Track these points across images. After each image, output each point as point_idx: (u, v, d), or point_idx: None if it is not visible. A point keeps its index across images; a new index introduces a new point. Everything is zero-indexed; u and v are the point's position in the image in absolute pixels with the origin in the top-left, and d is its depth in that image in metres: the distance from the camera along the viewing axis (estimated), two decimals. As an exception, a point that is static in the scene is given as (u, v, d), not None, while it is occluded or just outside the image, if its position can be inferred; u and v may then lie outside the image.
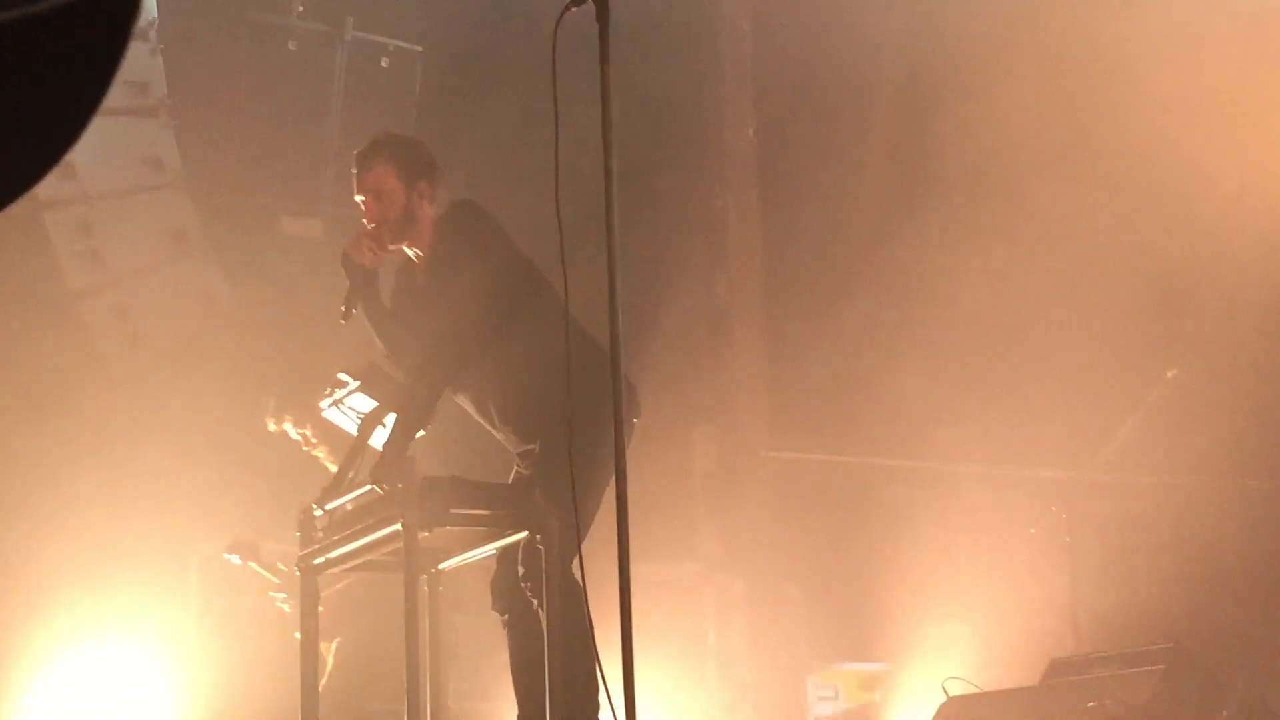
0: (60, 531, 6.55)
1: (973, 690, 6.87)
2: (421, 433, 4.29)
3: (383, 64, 7.58)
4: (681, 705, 7.99)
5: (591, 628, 3.96)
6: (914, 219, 8.77)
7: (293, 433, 5.85)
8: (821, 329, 8.74)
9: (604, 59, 3.37)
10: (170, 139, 7.10)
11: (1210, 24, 8.03)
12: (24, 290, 6.79)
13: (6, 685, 6.50)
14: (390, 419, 4.42)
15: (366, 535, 4.06)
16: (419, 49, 7.69)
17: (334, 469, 5.63)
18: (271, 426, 5.89)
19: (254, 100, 7.40)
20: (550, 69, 3.40)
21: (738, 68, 8.83)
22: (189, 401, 6.88)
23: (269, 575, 5.87)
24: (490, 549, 4.26)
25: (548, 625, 3.92)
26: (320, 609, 4.36)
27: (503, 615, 4.41)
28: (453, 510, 3.95)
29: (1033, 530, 7.71)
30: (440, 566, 4.45)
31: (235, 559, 5.88)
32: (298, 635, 4.40)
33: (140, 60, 7.00)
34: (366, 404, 4.44)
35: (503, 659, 4.43)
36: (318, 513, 4.28)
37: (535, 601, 4.04)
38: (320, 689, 5.54)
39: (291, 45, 7.38)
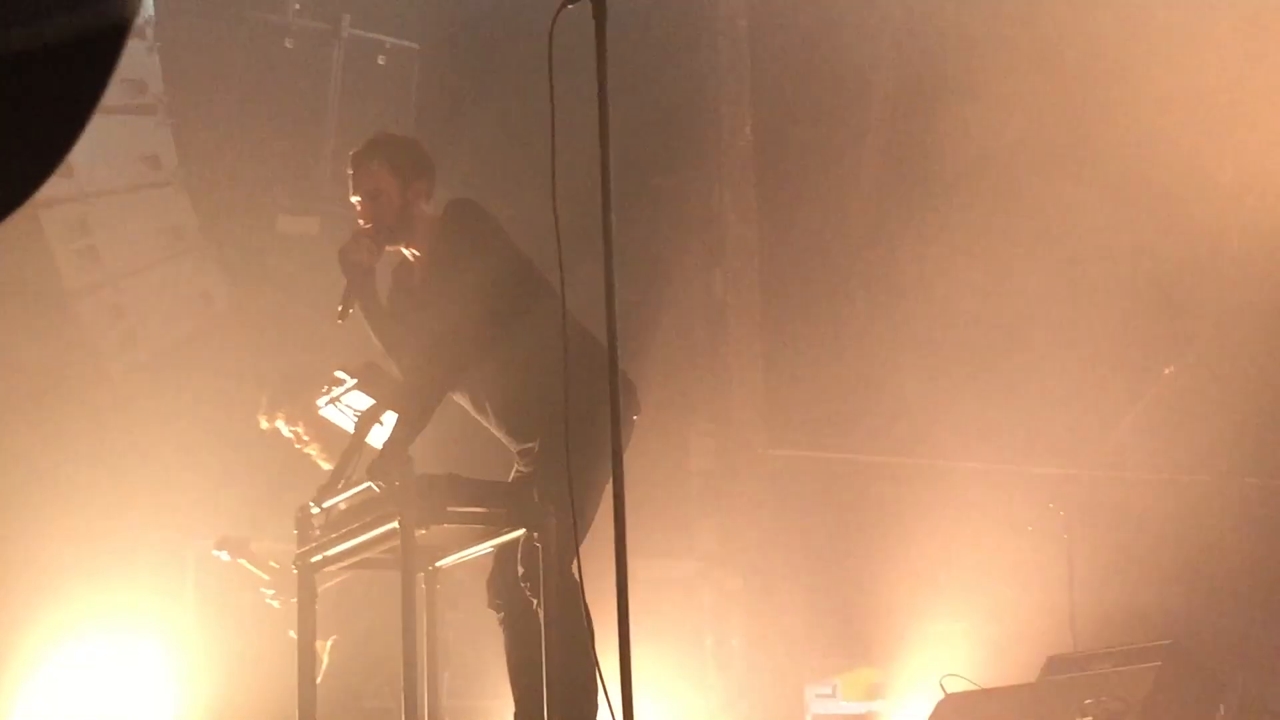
0: (57, 528, 6.55)
1: (971, 687, 6.87)
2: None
3: (380, 62, 7.58)
4: (679, 703, 8.00)
5: (591, 630, 3.96)
6: (912, 217, 8.77)
7: (285, 430, 5.85)
8: (819, 327, 8.74)
9: (601, 57, 3.36)
10: (167, 137, 7.10)
11: (1209, 23, 8.03)
12: (21, 288, 6.79)
13: (4, 680, 6.50)
14: (388, 417, 4.42)
15: (364, 533, 4.06)
16: (416, 47, 7.68)
17: (327, 466, 5.63)
18: (264, 424, 5.88)
19: (251, 98, 7.40)
20: (547, 67, 3.40)
21: (735, 66, 8.83)
22: (186, 398, 6.88)
23: (258, 572, 5.87)
24: (487, 547, 4.25)
25: (545, 624, 3.92)
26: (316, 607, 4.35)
27: (498, 613, 4.41)
28: (450, 508, 3.95)
29: (1031, 528, 7.71)
30: (438, 564, 4.45)
31: (224, 555, 5.88)
32: (292, 634, 4.39)
33: (137, 58, 7.00)
34: (364, 401, 4.44)
35: (499, 657, 4.43)
36: (315, 510, 4.28)
37: (535, 601, 4.04)
38: (316, 686, 5.55)
39: (288, 43, 7.37)
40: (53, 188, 6.76)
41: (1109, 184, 8.63)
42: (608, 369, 3.27)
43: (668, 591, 8.08)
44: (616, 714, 3.19)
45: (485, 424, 4.54)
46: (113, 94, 6.96)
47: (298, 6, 7.41)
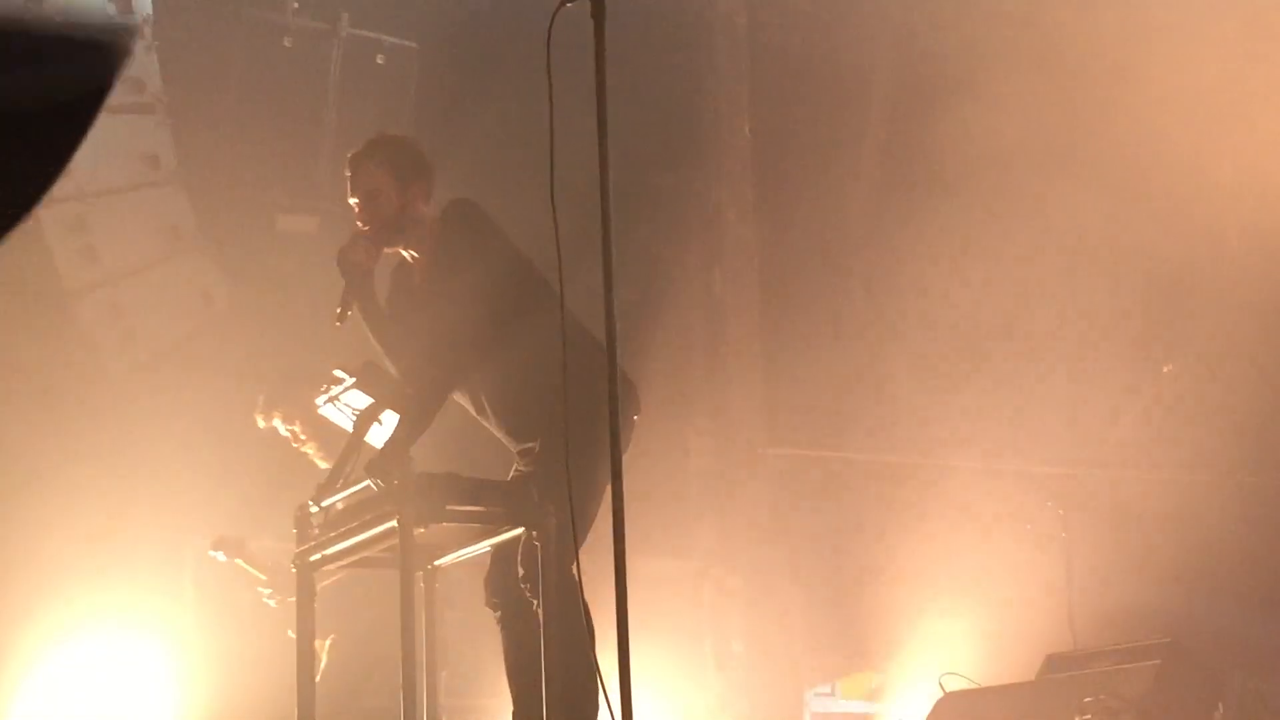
0: (56, 527, 6.55)
1: (970, 686, 6.88)
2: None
3: (378, 61, 7.57)
4: (679, 702, 8.00)
5: (592, 631, 3.96)
6: (911, 216, 8.77)
7: (282, 429, 5.84)
8: (818, 326, 8.74)
9: (599, 56, 3.36)
10: (166, 136, 7.09)
11: (1208, 23, 8.03)
12: (19, 287, 6.78)
13: (3, 679, 6.50)
14: (386, 416, 4.41)
15: (362, 532, 4.06)
16: (415, 46, 7.68)
17: (324, 465, 5.63)
18: (260, 422, 5.88)
19: (249, 97, 7.39)
20: (545, 66, 3.39)
21: (734, 64, 8.83)
22: (185, 397, 6.88)
23: (255, 572, 5.86)
24: (486, 545, 4.25)
25: (544, 623, 3.91)
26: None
27: (495, 612, 4.40)
28: (448, 506, 3.95)
29: (1029, 526, 7.72)
30: (436, 563, 4.45)
31: (220, 556, 5.87)
32: (291, 633, 4.39)
33: (136, 57, 6.99)
34: (362, 400, 4.44)
35: (497, 655, 4.42)
36: (314, 509, 4.28)
37: (535, 601, 4.03)
38: (315, 685, 5.55)
39: (287, 42, 7.37)
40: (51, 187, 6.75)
41: (1108, 183, 8.63)
42: (607, 368, 3.27)
43: (667, 590, 8.09)
44: (616, 713, 3.19)
45: (485, 424, 4.53)
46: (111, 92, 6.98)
47: (296, 5, 7.40)
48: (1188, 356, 8.52)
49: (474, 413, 4.54)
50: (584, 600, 4.01)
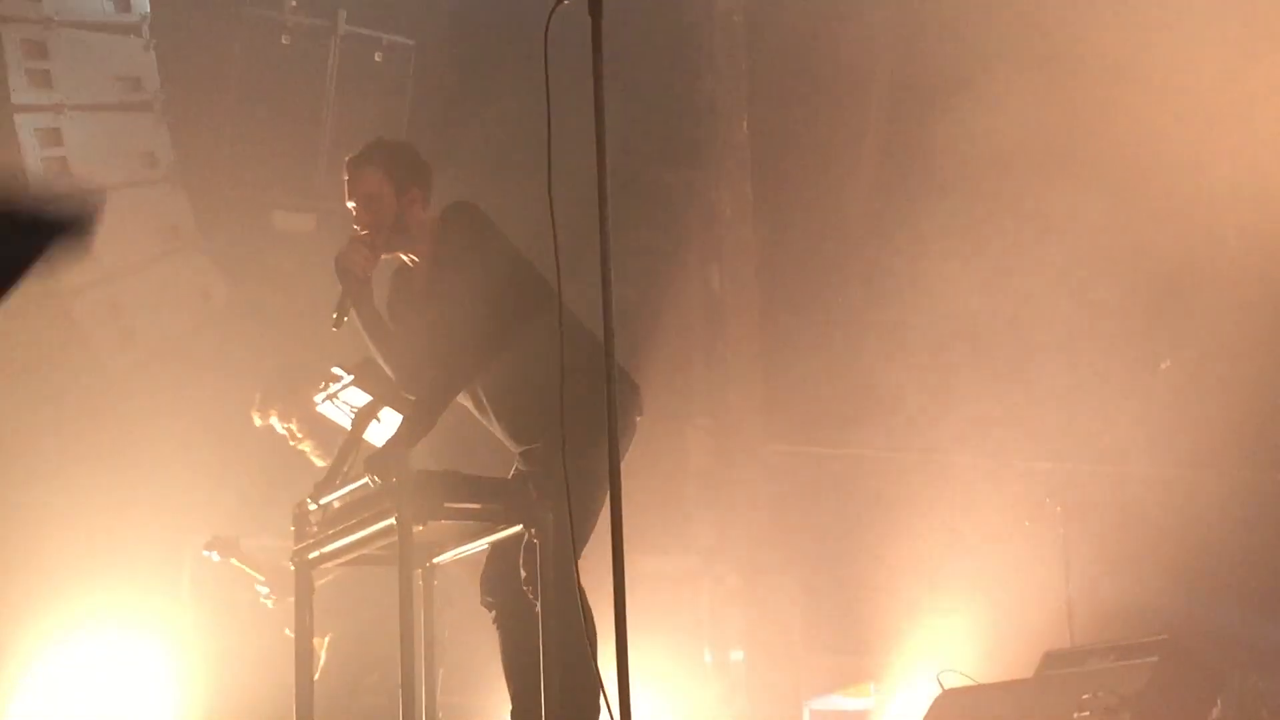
0: (54, 526, 6.55)
1: (968, 682, 6.88)
2: None
3: (376, 58, 7.57)
4: (677, 699, 8.00)
5: (594, 633, 3.96)
6: (909, 212, 8.77)
7: (278, 426, 5.85)
8: (817, 323, 8.75)
9: (597, 52, 3.36)
10: (164, 134, 7.09)
11: (1207, 22, 8.03)
12: (19, 286, 6.77)
13: (2, 678, 6.50)
14: (385, 413, 4.41)
15: (361, 529, 4.06)
16: (412, 43, 7.68)
17: (320, 463, 5.63)
18: (258, 421, 5.88)
19: (247, 95, 7.39)
20: (543, 63, 3.39)
21: (732, 62, 8.83)
22: (183, 396, 6.88)
23: (251, 571, 5.86)
24: (484, 543, 4.25)
25: (543, 621, 3.91)
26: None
27: (491, 611, 4.40)
28: (447, 504, 3.95)
29: (1028, 523, 7.72)
30: (435, 560, 4.44)
31: (214, 556, 5.87)
32: (288, 631, 4.39)
33: (133, 55, 6.99)
34: (360, 398, 4.44)
35: (495, 653, 4.42)
36: (312, 507, 4.27)
37: (537, 601, 4.03)
38: (314, 684, 5.55)
39: (284, 39, 7.37)
40: (50, 186, 6.76)
41: (1107, 182, 8.64)
42: (606, 365, 3.27)
43: (666, 586, 8.09)
44: (614, 710, 3.19)
45: (488, 425, 4.52)
46: (108, 91, 6.99)
47: (294, 3, 7.40)
48: (1187, 354, 8.52)
49: (476, 414, 4.53)
50: (586, 603, 4.01)
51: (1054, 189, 8.53)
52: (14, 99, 6.65)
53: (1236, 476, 8.83)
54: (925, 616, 8.12)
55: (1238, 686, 6.22)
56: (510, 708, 4.35)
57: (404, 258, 4.51)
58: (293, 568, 4.32)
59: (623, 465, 3.49)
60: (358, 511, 4.07)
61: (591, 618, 4.01)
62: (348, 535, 4.12)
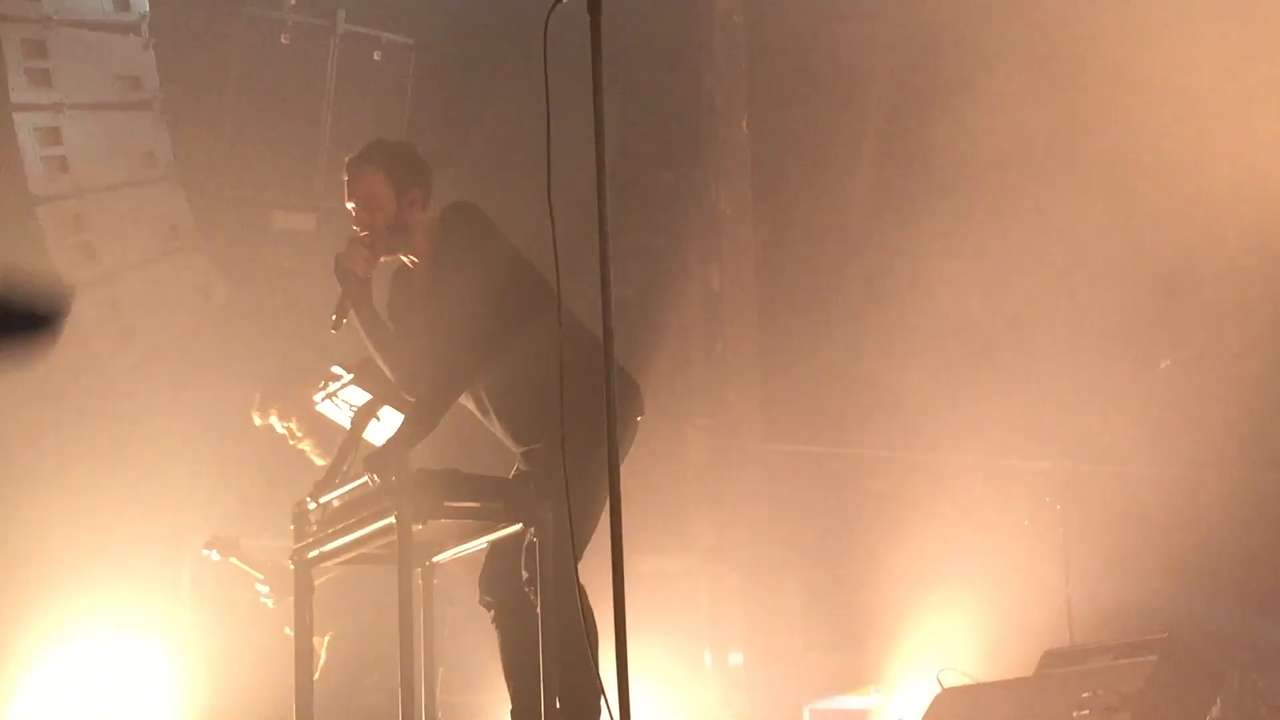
0: (54, 526, 6.55)
1: (967, 681, 6.88)
2: None
3: (375, 57, 7.58)
4: (677, 698, 8.00)
5: (595, 636, 3.96)
6: (909, 212, 8.77)
7: (278, 426, 5.85)
8: (816, 322, 8.75)
9: (596, 50, 3.36)
10: (163, 133, 7.09)
11: (1207, 22, 8.03)
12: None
13: (2, 678, 6.50)
14: (384, 412, 4.41)
15: (360, 528, 4.06)
16: (411, 42, 7.68)
17: (320, 462, 5.63)
18: (257, 420, 5.88)
19: (246, 94, 7.40)
20: (542, 60, 3.39)
21: (732, 61, 8.83)
22: (182, 394, 6.88)
23: (251, 570, 5.86)
24: (484, 541, 4.25)
25: (543, 620, 3.91)
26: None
27: (489, 610, 4.40)
28: (446, 503, 3.95)
29: (1027, 522, 7.72)
30: (434, 559, 4.44)
31: (214, 555, 5.88)
32: (288, 630, 4.39)
33: (132, 54, 7.00)
34: (360, 396, 4.43)
35: (496, 652, 4.42)
36: (312, 506, 4.27)
37: (536, 600, 4.02)
38: (314, 683, 5.55)
39: (284, 38, 7.37)
40: (48, 184, 6.76)
41: (1107, 182, 8.64)
42: (605, 364, 3.27)
43: (664, 585, 8.09)
44: (615, 711, 3.19)
45: (489, 426, 4.51)
46: (107, 90, 6.99)
47: (293, 2, 7.41)
48: (1187, 354, 8.52)
49: (478, 415, 4.52)
50: (587, 603, 4.01)
51: (1054, 189, 8.53)
52: (13, 98, 6.65)
53: (1236, 476, 8.83)
54: (925, 615, 8.12)
55: (1237, 685, 6.22)
56: (510, 707, 4.35)
57: (404, 259, 4.51)
58: (292, 567, 4.32)
59: (623, 465, 3.50)
60: (357, 510, 4.07)
61: (592, 618, 4.01)
62: (347, 534, 4.12)
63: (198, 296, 7.24)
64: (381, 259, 4.44)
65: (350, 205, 4.43)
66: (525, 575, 4.06)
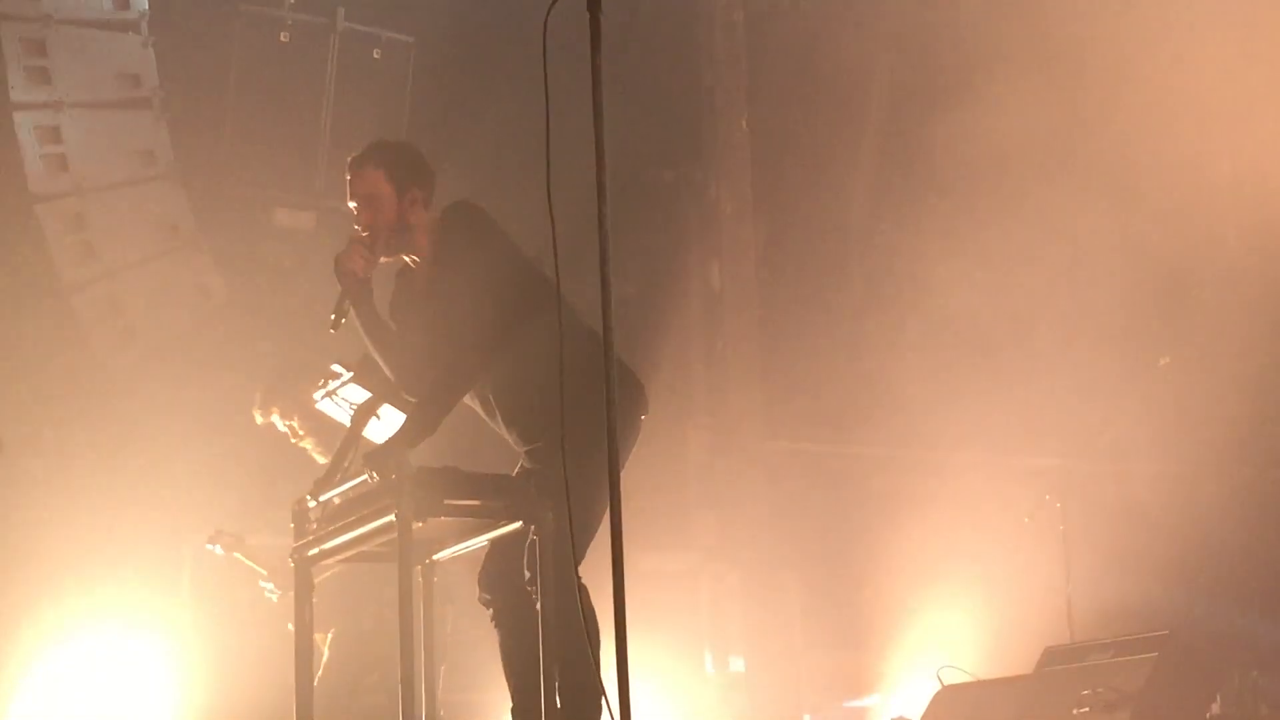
0: (54, 525, 6.55)
1: (968, 678, 6.88)
2: None
3: (375, 55, 7.57)
4: (677, 696, 8.00)
5: (597, 635, 3.96)
6: (909, 212, 8.78)
7: (280, 424, 5.85)
8: (816, 320, 8.75)
9: (595, 48, 3.36)
10: (162, 131, 7.09)
11: (1207, 22, 8.04)
12: (17, 283, 6.78)
13: (2, 677, 6.51)
14: (384, 410, 4.41)
15: (360, 526, 4.05)
16: (411, 40, 7.68)
17: (322, 460, 5.63)
18: (259, 419, 5.88)
19: (246, 92, 7.40)
20: (541, 59, 3.39)
21: (732, 60, 8.83)
22: (182, 393, 6.88)
23: (255, 566, 5.87)
24: (484, 539, 4.25)
25: (543, 619, 3.91)
26: (314, 600, 4.35)
27: (488, 609, 4.40)
28: (446, 501, 3.95)
29: (1027, 520, 7.72)
30: (435, 557, 4.44)
31: (218, 549, 5.88)
32: (291, 627, 4.39)
33: (131, 53, 6.99)
34: (360, 395, 4.43)
35: (496, 650, 4.42)
36: (312, 504, 4.27)
37: (538, 598, 4.02)
38: (316, 680, 5.55)
39: (284, 37, 7.37)
40: (48, 183, 6.76)
41: (1107, 181, 8.64)
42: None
43: (665, 583, 8.09)
44: (615, 710, 3.19)
45: (493, 425, 4.51)
46: (107, 89, 6.99)
47: (293, 0, 7.41)
48: (1187, 353, 8.52)
49: (483, 415, 4.52)
50: (589, 602, 4.01)
51: (1054, 188, 8.54)
52: (13, 96, 6.65)
53: (1236, 474, 8.83)
54: (925, 612, 8.13)
55: (1237, 683, 6.22)
56: (510, 705, 4.35)
57: (406, 258, 4.50)
58: (292, 565, 4.32)
59: (626, 464, 3.49)
60: (357, 508, 4.07)
61: (594, 617, 4.01)
62: (347, 532, 4.12)
63: (198, 295, 7.23)
64: (383, 259, 4.43)
65: (351, 205, 4.42)
66: (527, 574, 4.06)
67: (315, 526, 4.26)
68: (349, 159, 4.45)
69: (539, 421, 4.33)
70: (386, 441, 4.18)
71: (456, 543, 4.34)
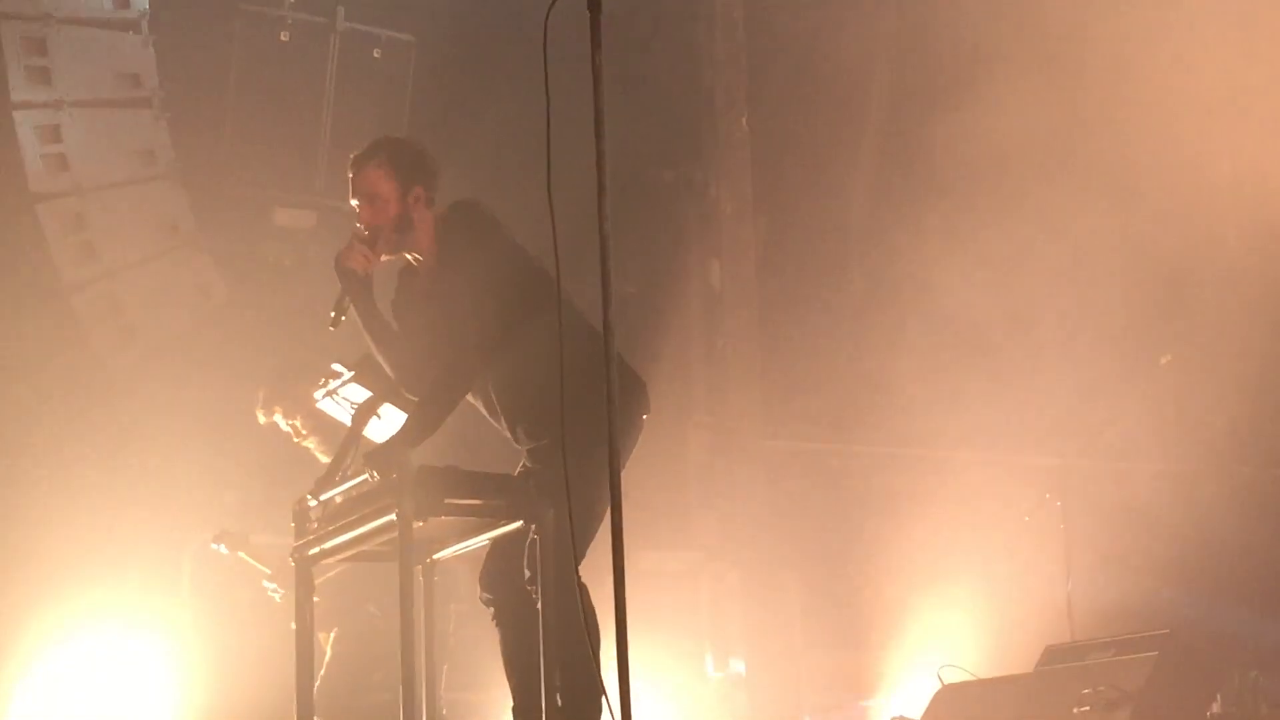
0: (54, 525, 6.55)
1: (968, 677, 6.88)
2: None
3: (375, 55, 7.57)
4: (677, 695, 8.00)
5: (597, 635, 3.96)
6: (909, 211, 8.77)
7: (283, 424, 5.85)
8: (816, 319, 8.75)
9: (596, 46, 3.36)
10: (163, 131, 7.09)
11: (1207, 21, 8.04)
12: (18, 283, 6.78)
13: (2, 677, 6.50)
14: (384, 409, 4.40)
15: (361, 525, 4.06)
16: (411, 40, 7.68)
17: (325, 459, 5.63)
18: (262, 418, 5.89)
19: (246, 92, 7.40)
20: (542, 59, 3.39)
21: (732, 59, 8.83)
22: (183, 393, 6.88)
23: (259, 565, 5.87)
24: (485, 538, 4.25)
25: (544, 617, 3.91)
26: (315, 599, 4.35)
27: (490, 607, 4.40)
28: (447, 500, 3.95)
29: (1028, 518, 7.72)
30: (435, 556, 4.44)
31: (223, 549, 5.88)
32: (294, 626, 4.39)
33: (132, 52, 6.99)
34: (360, 394, 4.43)
35: (498, 649, 4.42)
36: (312, 503, 4.27)
37: (538, 599, 4.02)
38: (319, 679, 5.55)
39: (284, 36, 7.37)
40: (48, 182, 6.76)
41: (1107, 181, 8.64)
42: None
43: (665, 582, 8.09)
44: (615, 705, 3.19)
45: (497, 426, 4.50)
46: (107, 88, 6.98)
47: (293, 0, 7.41)
48: (1187, 352, 8.52)
49: (486, 414, 4.51)
50: (589, 602, 4.01)
51: (1054, 188, 8.53)
52: (13, 96, 6.65)
53: (1237, 473, 8.83)
54: (926, 611, 8.13)
55: (1237, 682, 6.22)
56: (511, 704, 4.35)
57: (409, 257, 4.49)
58: (293, 564, 4.32)
59: (627, 464, 3.49)
60: (358, 508, 4.07)
61: (594, 617, 4.01)
62: (348, 531, 4.12)
63: (198, 295, 7.23)
64: (384, 257, 4.42)
65: (354, 202, 4.41)
66: (527, 574, 4.06)
67: (316, 526, 4.26)
68: (352, 156, 4.44)
69: (541, 420, 4.33)
70: (387, 441, 4.18)
71: (457, 542, 4.34)
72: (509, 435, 4.48)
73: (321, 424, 5.52)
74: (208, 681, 6.64)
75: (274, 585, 5.82)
